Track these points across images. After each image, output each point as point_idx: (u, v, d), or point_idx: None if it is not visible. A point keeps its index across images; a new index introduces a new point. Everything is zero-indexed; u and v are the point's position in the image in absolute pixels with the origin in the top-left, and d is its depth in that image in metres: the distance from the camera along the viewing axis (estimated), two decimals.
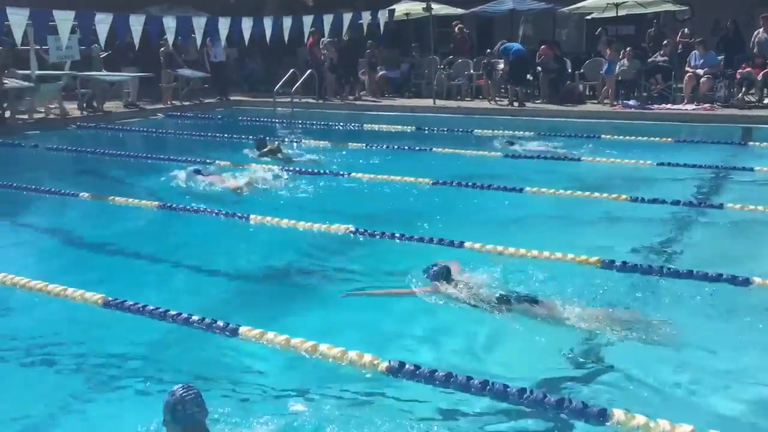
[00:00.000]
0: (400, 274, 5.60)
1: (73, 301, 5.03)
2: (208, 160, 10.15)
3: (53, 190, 8.57)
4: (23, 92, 14.42)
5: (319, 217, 7.07)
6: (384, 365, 4.06)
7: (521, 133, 12.39)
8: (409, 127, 13.79)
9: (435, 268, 5.24)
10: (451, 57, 18.64)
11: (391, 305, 5.17)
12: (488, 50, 17.57)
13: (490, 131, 12.73)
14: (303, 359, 4.22)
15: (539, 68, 16.38)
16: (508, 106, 15.98)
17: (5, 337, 4.59)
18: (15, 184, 8.82)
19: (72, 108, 15.62)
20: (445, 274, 5.19)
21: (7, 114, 14.20)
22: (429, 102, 16.68)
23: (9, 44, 13.09)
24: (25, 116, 14.62)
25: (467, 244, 6.24)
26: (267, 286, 5.60)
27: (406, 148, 11.54)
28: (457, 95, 17.57)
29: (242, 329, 4.49)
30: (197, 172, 9.13)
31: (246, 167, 9.78)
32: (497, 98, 16.75)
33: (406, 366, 4.02)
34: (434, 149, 11.23)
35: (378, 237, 6.58)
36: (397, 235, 6.52)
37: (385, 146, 11.69)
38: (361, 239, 6.59)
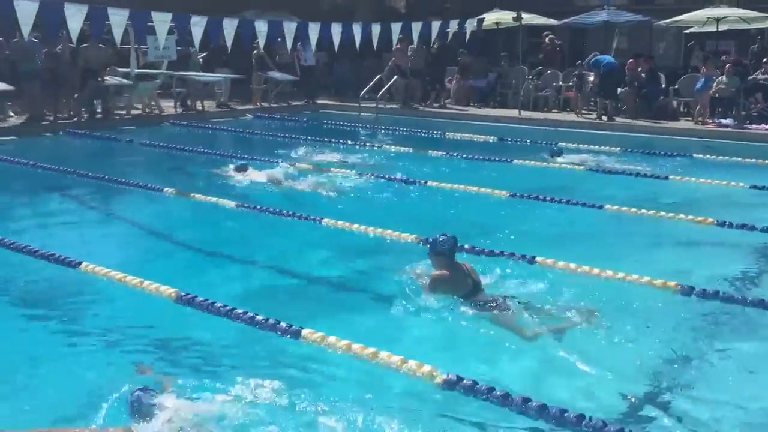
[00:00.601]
0: None
1: (148, 293, 5.21)
2: (287, 161, 10.36)
3: (141, 184, 8.91)
4: (122, 89, 15.14)
5: (391, 224, 7.07)
6: (441, 377, 4.01)
7: (607, 148, 12.06)
8: (492, 138, 13.65)
9: (442, 238, 5.11)
10: (540, 68, 18.36)
11: (458, 317, 5.10)
12: (579, 62, 17.21)
13: (575, 144, 12.45)
14: (362, 365, 4.23)
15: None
16: (596, 120, 15.58)
17: (80, 322, 4.79)
18: (106, 177, 9.25)
19: (167, 106, 16.28)
20: (452, 245, 5.10)
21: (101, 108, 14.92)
22: (514, 113, 16.45)
23: (111, 43, 13.74)
24: (123, 112, 15.32)
25: (539, 260, 6.10)
26: (334, 290, 5.64)
27: (486, 158, 11.42)
28: (543, 107, 17.28)
29: (305, 332, 4.54)
30: (241, 168, 9.53)
31: (325, 171, 9.95)
32: (585, 111, 16.37)
33: (464, 381, 3.96)
34: (515, 161, 11.06)
35: None
36: (467, 246, 6.43)
37: (465, 155, 11.61)
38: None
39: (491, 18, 18.91)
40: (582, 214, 7.93)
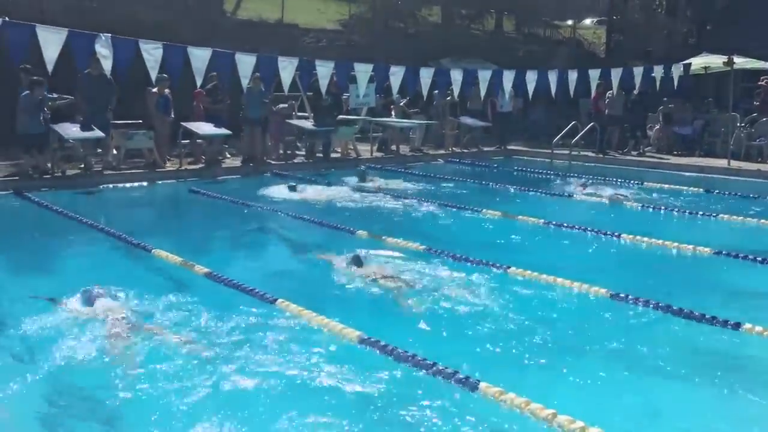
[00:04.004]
0: (651, 348, 5.22)
1: (330, 334, 5.42)
2: (474, 207, 10.40)
3: (334, 225, 9.36)
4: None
5: (579, 276, 6.83)
6: None
7: None
8: (696, 189, 12.79)
9: (352, 255, 7.24)
10: (754, 115, 16.98)
11: (648, 381, 4.79)
12: None
13: None
14: (540, 425, 4.09)
15: None
16: None
17: (262, 360, 5.02)
18: (306, 216, 9.87)
19: (364, 149, 17.08)
20: (357, 261, 7.17)
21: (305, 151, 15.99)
22: (723, 163, 15.31)
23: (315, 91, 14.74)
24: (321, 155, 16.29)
25: (746, 327, 5.58)
26: (514, 342, 5.50)
27: (688, 211, 10.70)
28: (757, 157, 15.90)
29: (482, 385, 4.48)
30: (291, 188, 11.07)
31: (512, 218, 9.88)
32: None
33: None
34: (721, 216, 10.25)
35: (641, 306, 6.16)
36: (662, 305, 6.05)
37: (664, 208, 10.97)
38: (620, 305, 6.23)
39: (698, 62, 17.85)
40: None
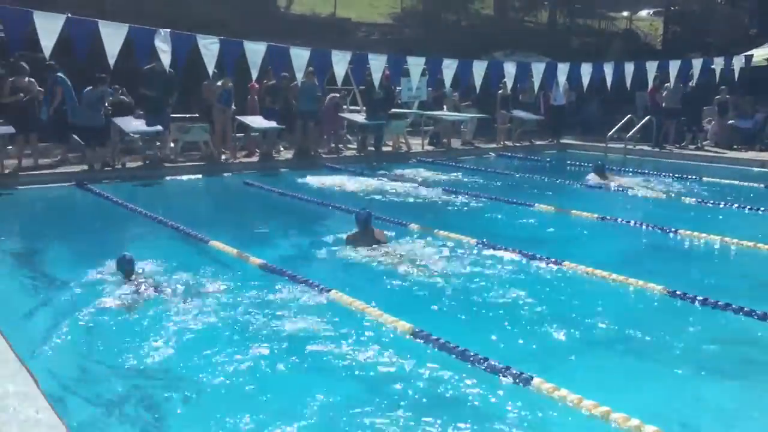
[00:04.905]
0: (710, 347, 5.12)
1: (386, 327, 5.48)
2: (524, 200, 10.31)
3: (387, 218, 9.39)
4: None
5: (633, 272, 6.74)
6: None
7: None
8: (757, 184, 12.43)
9: (364, 212, 7.76)
10: None
11: (706, 381, 4.71)
12: None
13: None
14: (593, 422, 4.06)
15: None
16: None
17: (316, 351, 5.13)
18: (352, 208, 9.91)
19: (415, 143, 17.07)
20: (367, 219, 7.73)
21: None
22: None
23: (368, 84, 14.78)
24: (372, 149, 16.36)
25: None
26: (566, 338, 5.46)
27: (748, 207, 10.41)
28: None
29: (535, 381, 4.47)
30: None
31: (564, 212, 9.76)
32: None
33: None
34: None
35: (698, 304, 6.04)
36: (721, 303, 5.92)
37: (723, 203, 10.70)
38: (678, 304, 6.12)
39: (761, 54, 17.31)
40: None
